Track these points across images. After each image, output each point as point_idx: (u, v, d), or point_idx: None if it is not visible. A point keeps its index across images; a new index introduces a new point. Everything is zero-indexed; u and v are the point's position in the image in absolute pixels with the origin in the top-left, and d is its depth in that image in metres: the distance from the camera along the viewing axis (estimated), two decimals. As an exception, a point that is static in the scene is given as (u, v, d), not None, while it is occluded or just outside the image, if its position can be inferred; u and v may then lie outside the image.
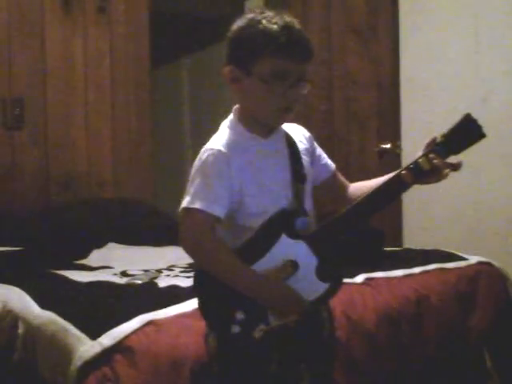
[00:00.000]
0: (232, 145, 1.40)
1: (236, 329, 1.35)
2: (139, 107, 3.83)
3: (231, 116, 1.47)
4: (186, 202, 1.36)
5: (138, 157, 3.81)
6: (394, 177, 1.41)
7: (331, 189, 1.61)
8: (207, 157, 1.38)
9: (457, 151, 1.38)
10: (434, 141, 1.39)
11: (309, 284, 1.39)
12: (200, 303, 1.43)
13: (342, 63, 3.57)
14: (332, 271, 1.42)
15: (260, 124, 1.44)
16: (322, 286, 1.41)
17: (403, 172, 1.39)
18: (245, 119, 1.44)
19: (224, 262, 1.35)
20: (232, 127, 1.44)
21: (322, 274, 1.40)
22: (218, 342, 1.39)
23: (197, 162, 1.40)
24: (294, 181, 1.46)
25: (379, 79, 3.49)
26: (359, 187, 1.60)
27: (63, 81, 3.55)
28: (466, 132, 1.36)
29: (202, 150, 1.40)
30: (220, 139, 1.41)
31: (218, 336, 1.39)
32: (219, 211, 1.35)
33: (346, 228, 1.43)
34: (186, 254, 1.39)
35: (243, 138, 1.43)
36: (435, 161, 1.37)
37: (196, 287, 1.44)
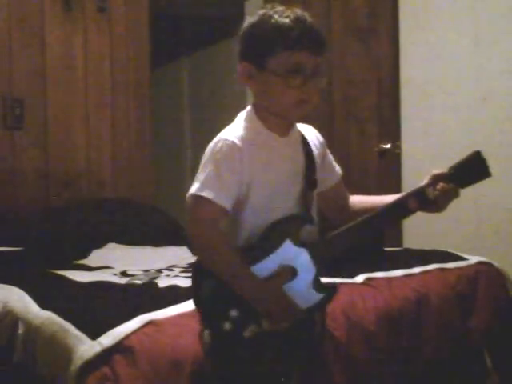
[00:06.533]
0: (247, 139, 1.38)
1: (227, 326, 1.35)
2: (139, 107, 3.83)
3: (249, 108, 1.44)
4: (194, 189, 1.34)
5: (137, 157, 3.82)
6: (399, 201, 1.41)
7: (334, 198, 1.60)
8: (221, 147, 1.35)
9: (463, 186, 1.40)
10: (442, 173, 1.39)
11: (304, 293, 1.39)
12: (195, 297, 1.43)
13: (342, 63, 3.57)
14: (327, 283, 1.42)
15: (277, 121, 1.42)
16: (317, 297, 1.41)
17: (409, 199, 1.40)
18: (262, 115, 1.42)
19: (225, 258, 1.34)
20: (249, 121, 1.42)
21: (317, 284, 1.41)
22: (211, 339, 1.38)
23: (209, 151, 1.37)
24: (306, 186, 1.45)
25: (379, 79, 3.49)
26: (360, 201, 1.59)
27: (63, 81, 3.55)
28: (473, 169, 1.39)
29: (216, 139, 1.38)
30: (235, 131, 1.39)
31: (211, 332, 1.39)
32: (227, 203, 1.34)
33: (348, 245, 1.42)
34: (189, 241, 1.38)
35: (260, 133, 1.41)
36: (441, 192, 1.38)
37: (193, 281, 1.43)
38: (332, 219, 1.60)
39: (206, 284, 1.39)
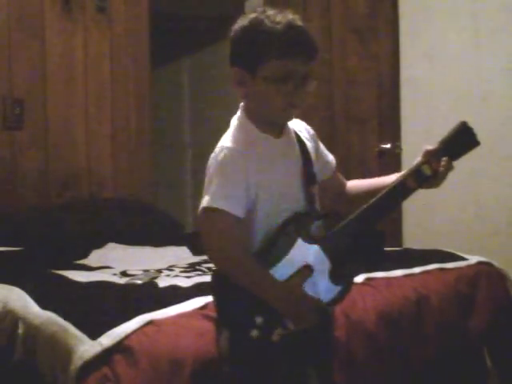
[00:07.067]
0: (247, 144, 1.38)
1: (255, 333, 1.34)
2: (139, 107, 3.83)
3: (240, 114, 1.44)
4: (206, 202, 1.33)
5: (137, 157, 3.81)
6: (398, 182, 1.44)
7: (332, 186, 1.61)
8: (224, 156, 1.35)
9: (455, 157, 1.44)
10: (434, 148, 1.43)
11: (323, 287, 1.40)
12: (218, 306, 1.42)
13: (342, 63, 3.57)
14: (343, 274, 1.43)
15: (270, 123, 1.42)
16: (335, 289, 1.42)
17: (407, 178, 1.43)
18: (255, 119, 1.42)
19: (247, 267, 1.33)
20: (244, 126, 1.42)
21: (334, 276, 1.42)
22: (231, 344, 1.38)
23: (213, 162, 1.37)
24: (307, 182, 1.45)
25: (379, 79, 3.49)
26: (356, 185, 1.62)
27: (63, 81, 3.55)
28: (462, 140, 1.42)
29: (217, 149, 1.38)
30: (234, 138, 1.39)
31: (232, 338, 1.38)
32: (239, 210, 1.33)
33: (357, 232, 1.44)
34: (208, 255, 1.38)
35: (256, 137, 1.41)
36: (437, 167, 1.41)
37: (215, 290, 1.43)
38: (331, 206, 1.61)
39: (228, 294, 1.38)
